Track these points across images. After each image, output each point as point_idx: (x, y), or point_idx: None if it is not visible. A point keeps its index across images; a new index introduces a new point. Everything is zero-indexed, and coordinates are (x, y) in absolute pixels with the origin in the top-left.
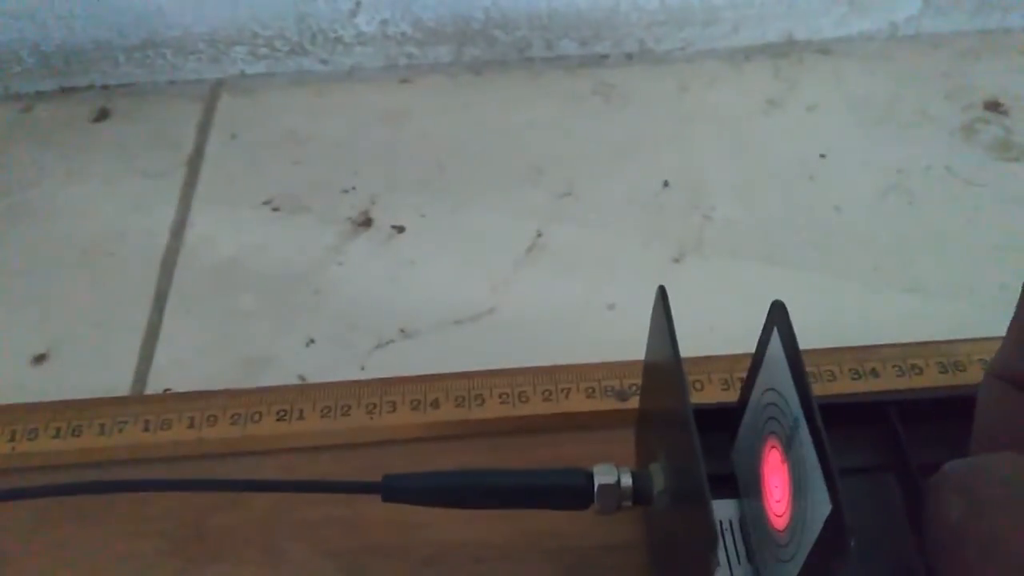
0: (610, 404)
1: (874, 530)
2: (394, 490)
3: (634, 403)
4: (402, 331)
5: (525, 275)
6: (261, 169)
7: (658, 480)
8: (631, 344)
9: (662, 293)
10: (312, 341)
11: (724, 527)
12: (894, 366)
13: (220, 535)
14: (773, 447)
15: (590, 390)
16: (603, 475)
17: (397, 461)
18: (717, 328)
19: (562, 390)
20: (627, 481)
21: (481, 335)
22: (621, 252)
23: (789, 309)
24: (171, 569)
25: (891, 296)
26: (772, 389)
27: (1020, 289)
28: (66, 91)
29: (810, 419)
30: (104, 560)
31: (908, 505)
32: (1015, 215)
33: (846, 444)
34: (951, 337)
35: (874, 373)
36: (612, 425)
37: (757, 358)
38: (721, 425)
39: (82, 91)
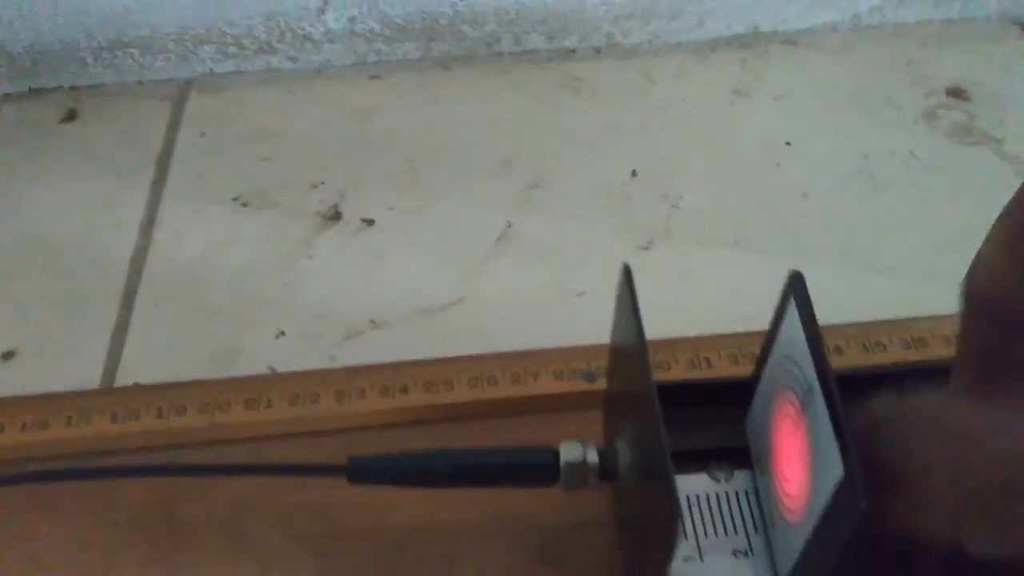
0: (578, 385)
1: None
2: (360, 471)
3: (602, 384)
4: (372, 322)
5: (495, 265)
6: (230, 166)
7: (624, 456)
8: (600, 329)
9: (626, 272)
10: (282, 333)
11: (741, 498)
12: (859, 343)
13: (188, 524)
14: (787, 415)
15: (558, 372)
16: (569, 452)
17: (367, 447)
18: (685, 313)
19: (531, 373)
20: (593, 458)
21: (451, 325)
22: (590, 241)
23: (756, 294)
24: (139, 558)
25: (857, 278)
26: (788, 357)
27: None
28: (34, 92)
29: (825, 386)
30: (72, 551)
31: None
32: (977, 198)
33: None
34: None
35: (838, 350)
36: (581, 406)
37: (773, 329)
38: (735, 399)
39: (50, 92)
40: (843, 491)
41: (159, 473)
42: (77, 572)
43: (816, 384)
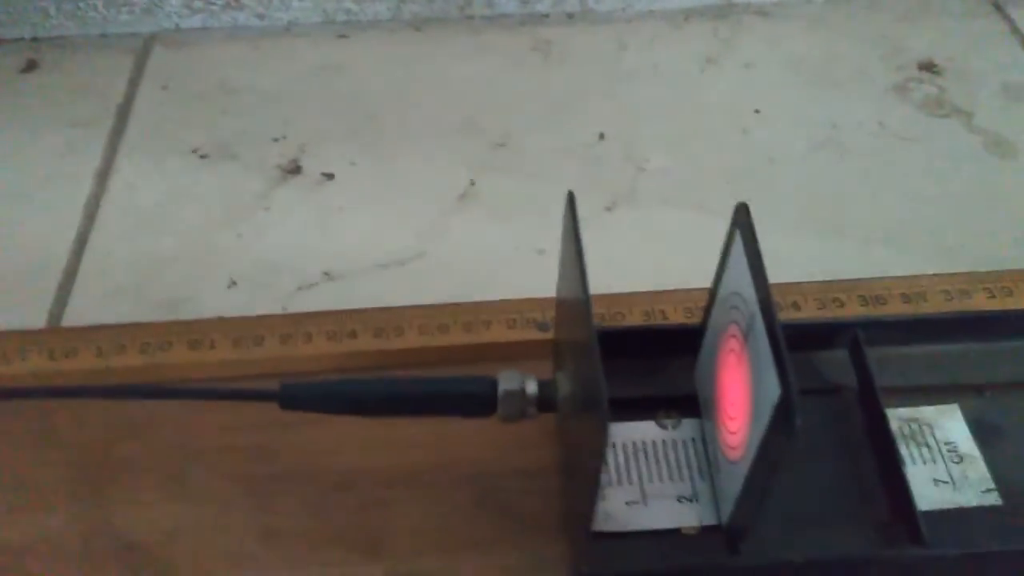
0: (532, 334)
1: (835, 447)
2: (292, 397)
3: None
4: (326, 274)
5: (456, 222)
6: (191, 119)
7: (563, 386)
8: None
9: (570, 199)
10: (234, 283)
11: (687, 445)
12: (815, 299)
13: (124, 464)
14: (731, 351)
15: (511, 322)
16: (507, 381)
17: None
18: (645, 272)
19: (483, 322)
20: (532, 388)
21: (408, 279)
22: (553, 201)
23: (717, 255)
24: (74, 496)
25: (819, 242)
26: (735, 293)
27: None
28: None
29: (766, 312)
30: (8, 487)
31: (869, 425)
32: (944, 168)
33: (809, 366)
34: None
35: (795, 306)
36: (534, 355)
37: (720, 267)
38: (684, 348)
39: (10, 43)
40: (780, 411)
41: (86, 395)
42: (6, 510)
43: (758, 311)
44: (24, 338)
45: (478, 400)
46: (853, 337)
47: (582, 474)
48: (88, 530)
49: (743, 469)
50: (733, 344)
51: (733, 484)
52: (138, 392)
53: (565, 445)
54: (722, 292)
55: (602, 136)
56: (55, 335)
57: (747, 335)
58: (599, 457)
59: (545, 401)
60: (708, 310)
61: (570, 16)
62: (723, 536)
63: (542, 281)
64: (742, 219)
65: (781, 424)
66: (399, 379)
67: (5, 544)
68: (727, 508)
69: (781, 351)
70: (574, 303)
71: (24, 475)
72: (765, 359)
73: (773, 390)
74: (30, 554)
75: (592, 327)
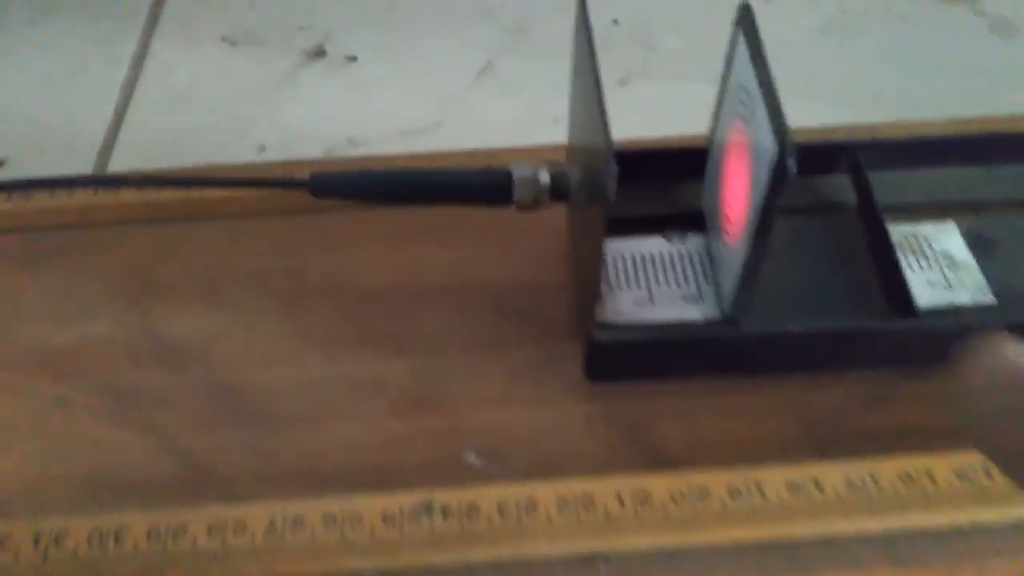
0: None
1: (835, 257)
2: (323, 184)
3: None
4: (351, 140)
5: (474, 96)
6: (220, 9)
7: (574, 175)
8: None
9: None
10: (263, 148)
11: (693, 256)
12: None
13: (164, 281)
14: (735, 143)
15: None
16: (521, 170)
17: (332, 223)
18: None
19: (501, 164)
20: (545, 177)
21: (428, 145)
22: (567, 77)
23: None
24: (117, 307)
25: (825, 112)
26: (739, 86)
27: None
28: None
29: (765, 87)
30: (54, 300)
31: (869, 238)
32: (950, 45)
33: (811, 188)
34: None
35: None
36: None
37: (725, 74)
38: (692, 170)
39: None
40: (777, 164)
41: (132, 184)
42: (56, 319)
43: (759, 94)
44: (71, 181)
45: (496, 186)
46: (853, 158)
47: (590, 252)
48: (132, 335)
49: (743, 246)
50: (736, 139)
51: (733, 268)
52: (181, 181)
53: (575, 243)
54: (725, 96)
55: (615, 22)
56: (99, 179)
57: (749, 122)
58: (608, 199)
59: (558, 188)
60: (713, 127)
61: None
62: (725, 326)
63: (556, 143)
64: (745, 17)
65: (777, 173)
66: (424, 169)
67: (56, 348)
68: (728, 296)
69: (778, 111)
70: (585, 106)
71: (71, 290)
72: (764, 132)
73: (770, 148)
74: (80, 355)
75: (604, 112)
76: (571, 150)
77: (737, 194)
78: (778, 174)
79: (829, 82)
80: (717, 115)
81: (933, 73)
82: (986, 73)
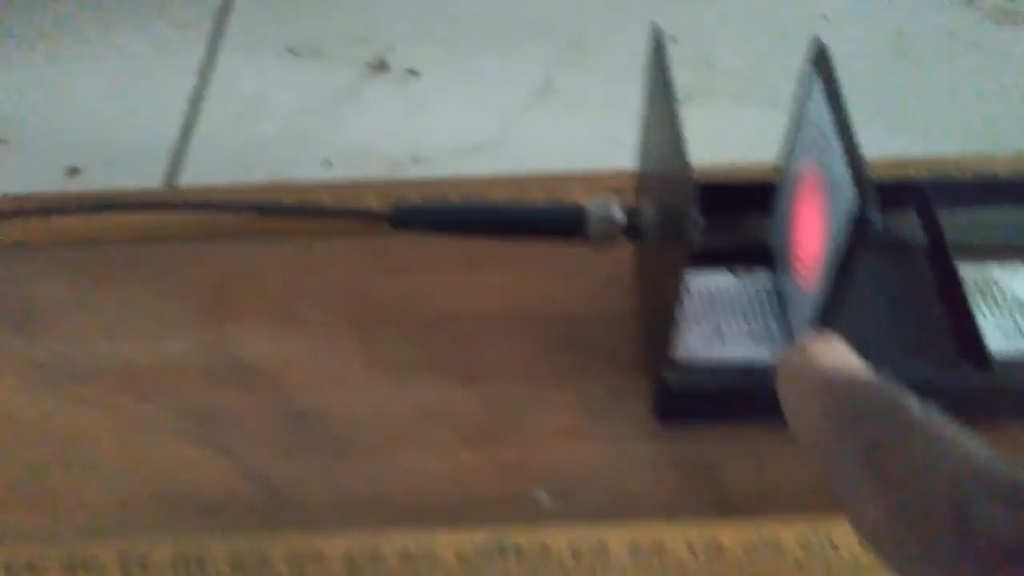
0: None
1: (904, 299)
2: (403, 217)
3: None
4: (414, 158)
5: (533, 114)
6: (285, 20)
7: (648, 213)
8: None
9: (656, 32)
10: (329, 163)
11: (760, 292)
12: (887, 173)
13: (240, 301)
14: (808, 185)
15: (591, 190)
16: (598, 207)
17: (404, 245)
18: (718, 156)
19: (564, 189)
20: (619, 215)
21: (489, 164)
22: (626, 96)
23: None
24: (194, 326)
25: (890, 138)
26: (813, 126)
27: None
28: None
29: (843, 131)
30: (132, 315)
31: (939, 280)
32: (1009, 73)
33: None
34: None
35: None
36: None
37: (796, 112)
38: (760, 204)
39: None
40: (858, 215)
41: (220, 209)
42: (134, 336)
43: (834, 134)
44: (145, 194)
45: (571, 221)
46: (923, 197)
47: (664, 294)
48: (209, 355)
49: (816, 293)
50: (810, 179)
51: (804, 310)
52: (267, 210)
53: (645, 280)
54: (799, 135)
55: (675, 39)
56: (173, 192)
57: (824, 163)
58: (688, 251)
59: (633, 226)
60: (784, 163)
61: None
62: None
63: (616, 165)
64: (818, 53)
65: (858, 227)
66: (501, 204)
67: (136, 364)
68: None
69: (858, 160)
70: (663, 140)
71: (150, 309)
72: (842, 175)
73: (850, 198)
74: (159, 373)
75: (684, 145)
76: (643, 181)
77: (811, 236)
78: (859, 227)
79: (890, 107)
80: (788, 151)
81: (994, 97)
82: None
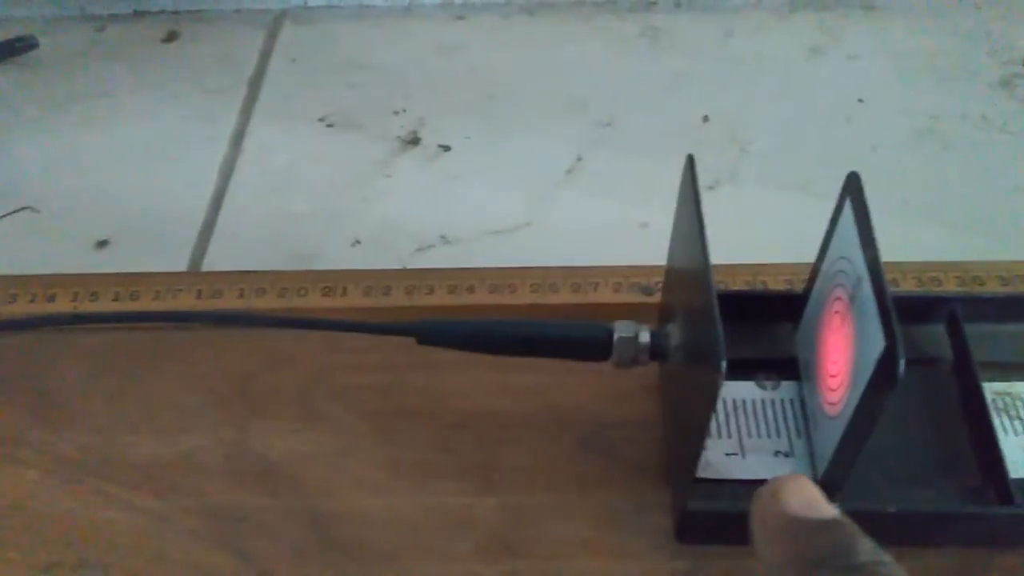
0: (636, 298)
1: (930, 416)
2: (429, 333)
3: (658, 298)
4: (443, 238)
5: (563, 194)
6: (318, 90)
7: (674, 336)
8: (661, 257)
9: (690, 161)
10: (358, 242)
11: (785, 405)
12: (913, 277)
13: (263, 394)
14: (836, 312)
15: (617, 285)
16: (623, 329)
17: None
18: (745, 248)
19: (591, 284)
20: (645, 337)
21: (518, 246)
22: (657, 178)
23: (818, 235)
24: (215, 421)
25: (918, 229)
26: (842, 258)
27: None
28: (138, 14)
29: (873, 272)
30: (155, 409)
31: (964, 397)
32: None
33: (907, 338)
34: None
35: (894, 283)
36: (638, 317)
37: (828, 234)
38: (787, 314)
39: (153, 15)
40: (884, 362)
41: (245, 323)
42: (157, 429)
43: (865, 273)
44: (174, 279)
45: (596, 344)
46: (951, 312)
47: (691, 418)
48: (229, 451)
49: (842, 424)
50: (838, 306)
51: (831, 440)
52: (289, 323)
53: (671, 395)
54: (829, 259)
55: (706, 119)
56: (201, 278)
57: (853, 296)
58: (712, 401)
59: (657, 349)
60: (812, 277)
61: (678, 5)
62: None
63: (643, 251)
64: (853, 187)
65: (884, 375)
66: (526, 321)
67: (157, 459)
68: (823, 464)
69: (888, 308)
70: (691, 258)
71: (173, 401)
72: (871, 316)
73: (878, 343)
74: (179, 469)
75: (711, 282)
76: (669, 286)
77: (837, 360)
78: (886, 374)
79: (922, 193)
80: (817, 269)
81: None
82: None
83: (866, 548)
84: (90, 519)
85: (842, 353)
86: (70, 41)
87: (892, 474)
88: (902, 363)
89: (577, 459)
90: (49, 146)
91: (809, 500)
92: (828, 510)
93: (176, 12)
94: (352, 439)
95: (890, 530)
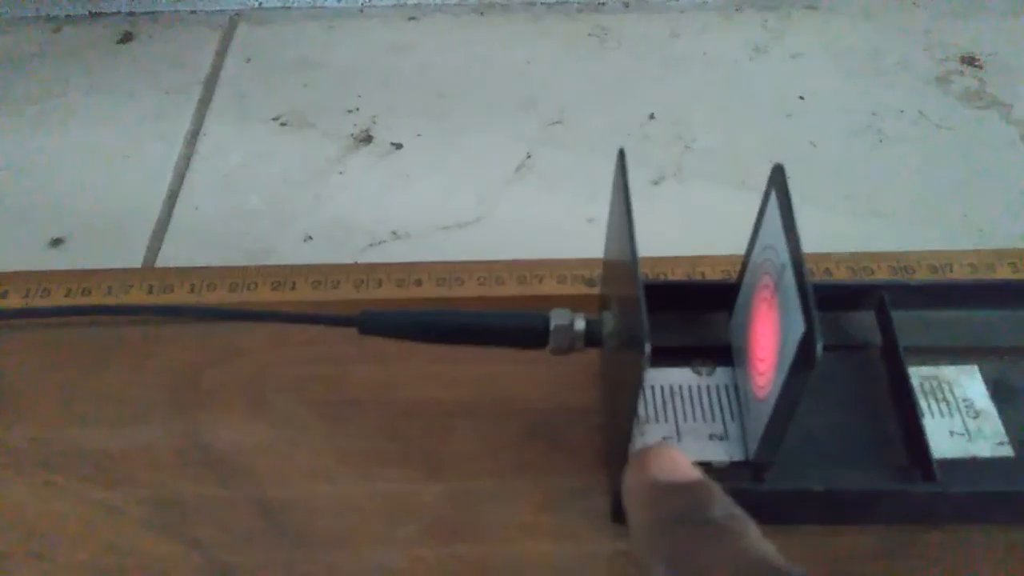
0: (580, 289)
1: (859, 399)
2: (371, 323)
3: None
4: (394, 233)
5: (512, 191)
6: (272, 90)
7: (608, 323)
8: None
9: (621, 155)
10: (310, 238)
11: (720, 390)
12: (847, 267)
13: (212, 387)
14: (763, 299)
15: (562, 277)
16: (559, 318)
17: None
18: (687, 241)
19: (536, 276)
20: (580, 324)
21: (467, 240)
22: (603, 174)
23: None
24: (166, 413)
25: (854, 220)
26: (768, 247)
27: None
28: (94, 15)
29: (795, 260)
30: (106, 402)
31: (891, 382)
32: (980, 154)
33: (838, 325)
34: None
35: (827, 272)
36: (581, 308)
37: (756, 225)
38: (721, 303)
39: (109, 16)
40: (803, 345)
41: (188, 314)
42: (107, 422)
43: (788, 261)
44: (125, 276)
45: (533, 332)
46: (880, 299)
47: (622, 402)
48: (180, 443)
49: (769, 405)
50: (765, 293)
51: (760, 422)
52: (234, 315)
53: (607, 380)
54: (757, 249)
55: (652, 116)
56: (153, 273)
57: (778, 284)
58: (638, 384)
59: (592, 336)
60: (744, 266)
61: (626, 5)
62: (750, 470)
63: (590, 245)
64: (777, 178)
65: (803, 358)
66: (465, 311)
67: (108, 451)
68: (754, 445)
69: (807, 294)
70: (621, 249)
71: (125, 394)
72: (792, 302)
73: (798, 328)
74: (130, 461)
75: (638, 271)
76: (607, 278)
77: (765, 345)
78: (805, 358)
79: (859, 187)
80: (747, 259)
81: (963, 181)
82: (1018, 183)
83: (722, 503)
84: (41, 511)
85: (769, 339)
86: (26, 42)
87: (823, 455)
88: (820, 346)
89: (520, 445)
90: (4, 145)
91: (672, 466)
92: (690, 473)
93: (132, 13)
94: (300, 429)
95: (818, 509)
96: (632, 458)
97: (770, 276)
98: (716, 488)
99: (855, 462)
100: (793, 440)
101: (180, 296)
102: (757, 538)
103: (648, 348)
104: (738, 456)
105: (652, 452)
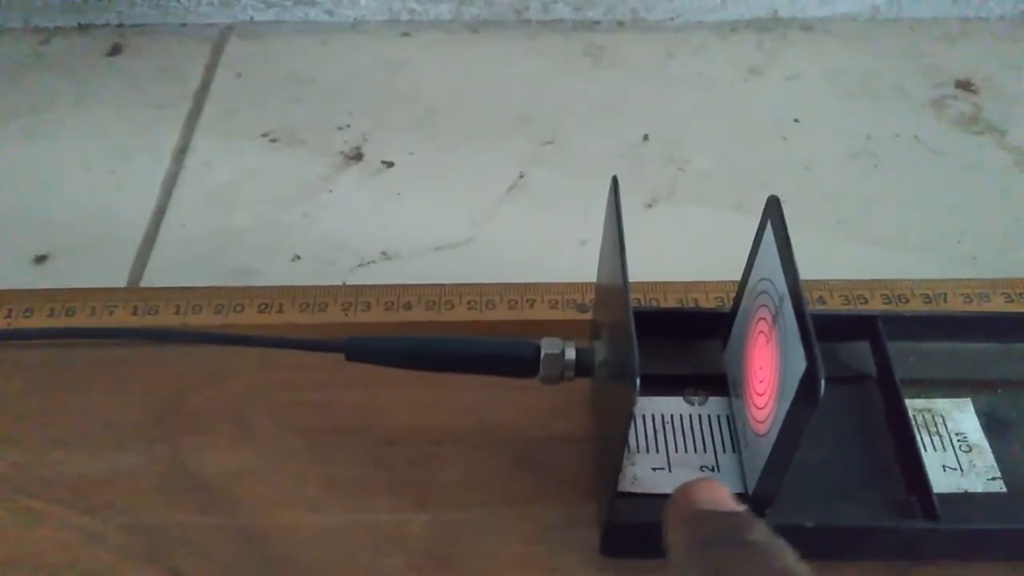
0: (571, 314)
1: (855, 430)
2: (357, 349)
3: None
4: (383, 253)
5: (505, 211)
6: (262, 105)
7: (599, 353)
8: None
9: (614, 183)
10: (298, 257)
11: (712, 421)
12: (840, 295)
13: (196, 410)
14: (761, 332)
15: (553, 302)
16: (549, 346)
17: None
18: (679, 265)
19: (527, 301)
20: (571, 353)
21: (458, 261)
22: (596, 195)
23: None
24: (149, 437)
25: (851, 246)
26: (765, 279)
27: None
28: (83, 27)
29: (794, 294)
30: (88, 425)
31: (888, 412)
32: (975, 180)
33: (833, 355)
34: None
35: (821, 300)
36: (573, 333)
37: (752, 255)
38: (715, 331)
39: (97, 28)
40: (805, 384)
41: (172, 339)
42: (89, 446)
43: (787, 293)
44: (110, 296)
45: (522, 361)
46: (875, 329)
47: (612, 433)
48: (163, 468)
49: (769, 442)
50: (763, 326)
51: (759, 457)
52: (219, 339)
53: (597, 410)
54: (752, 279)
55: (646, 137)
56: (138, 294)
57: (776, 318)
58: (628, 416)
59: (582, 365)
60: (738, 296)
61: (621, 23)
62: (750, 504)
63: (582, 268)
64: (773, 210)
65: (805, 395)
66: (454, 338)
67: (90, 476)
68: (753, 479)
69: (808, 330)
70: (613, 277)
71: (107, 417)
72: (793, 338)
73: (799, 365)
74: (111, 486)
75: (629, 300)
76: (599, 302)
77: (763, 378)
78: (808, 395)
79: (853, 211)
80: (742, 288)
81: (957, 207)
82: (1012, 209)
83: (761, 530)
84: (21, 536)
85: (767, 372)
86: (13, 54)
87: (821, 488)
88: (823, 384)
89: (509, 475)
90: None
91: (717, 498)
92: (732, 504)
93: (121, 25)
94: (286, 456)
95: (813, 544)
96: (677, 489)
97: (767, 308)
98: (756, 518)
99: (855, 495)
100: (792, 472)
101: (165, 317)
102: (795, 561)
103: (638, 381)
104: (735, 489)
105: (696, 484)
